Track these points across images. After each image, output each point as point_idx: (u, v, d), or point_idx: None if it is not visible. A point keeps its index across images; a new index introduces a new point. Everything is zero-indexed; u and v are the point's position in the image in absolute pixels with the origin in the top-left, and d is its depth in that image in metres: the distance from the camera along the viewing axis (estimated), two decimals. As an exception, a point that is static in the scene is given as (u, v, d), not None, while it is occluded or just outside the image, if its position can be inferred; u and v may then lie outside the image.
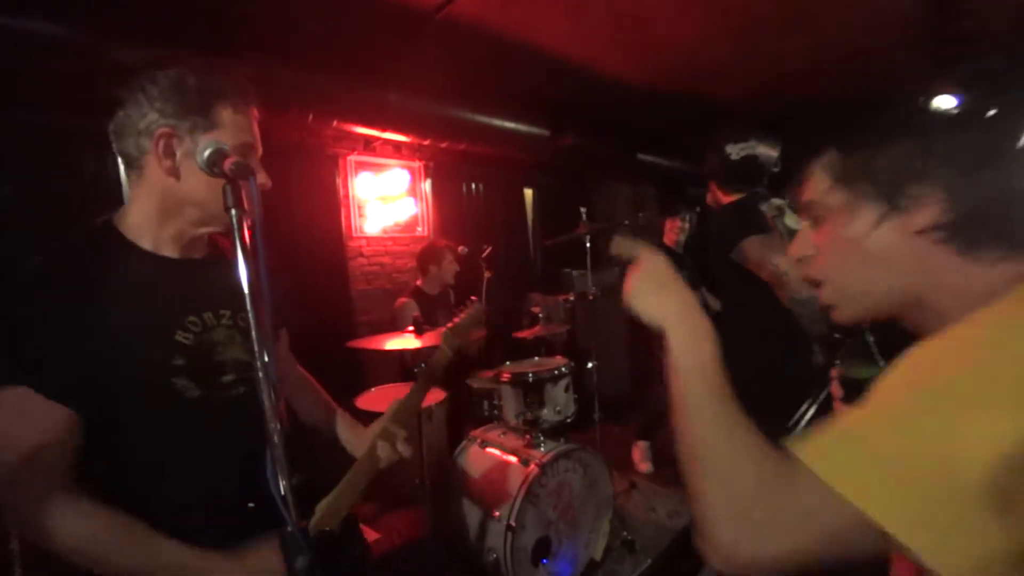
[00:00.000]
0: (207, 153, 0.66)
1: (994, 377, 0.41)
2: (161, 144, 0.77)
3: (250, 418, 0.72)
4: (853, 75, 3.13)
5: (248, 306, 0.59)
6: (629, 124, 3.78)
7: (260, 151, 0.88)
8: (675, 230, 3.36)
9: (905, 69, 2.94)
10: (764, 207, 1.92)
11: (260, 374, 0.59)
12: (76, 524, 0.66)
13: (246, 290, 0.59)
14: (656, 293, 0.65)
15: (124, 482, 0.74)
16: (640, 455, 3.12)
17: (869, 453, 0.44)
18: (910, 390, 0.45)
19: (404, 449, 1.02)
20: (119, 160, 0.80)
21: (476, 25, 2.34)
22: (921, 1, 2.30)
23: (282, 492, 0.60)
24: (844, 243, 0.59)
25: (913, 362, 0.48)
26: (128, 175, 0.81)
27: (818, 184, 0.61)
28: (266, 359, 0.59)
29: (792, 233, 1.93)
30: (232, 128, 0.81)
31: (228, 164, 0.62)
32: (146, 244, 0.80)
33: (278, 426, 0.61)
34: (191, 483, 0.79)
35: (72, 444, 0.68)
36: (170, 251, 0.83)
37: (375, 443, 0.97)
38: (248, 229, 0.61)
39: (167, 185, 0.79)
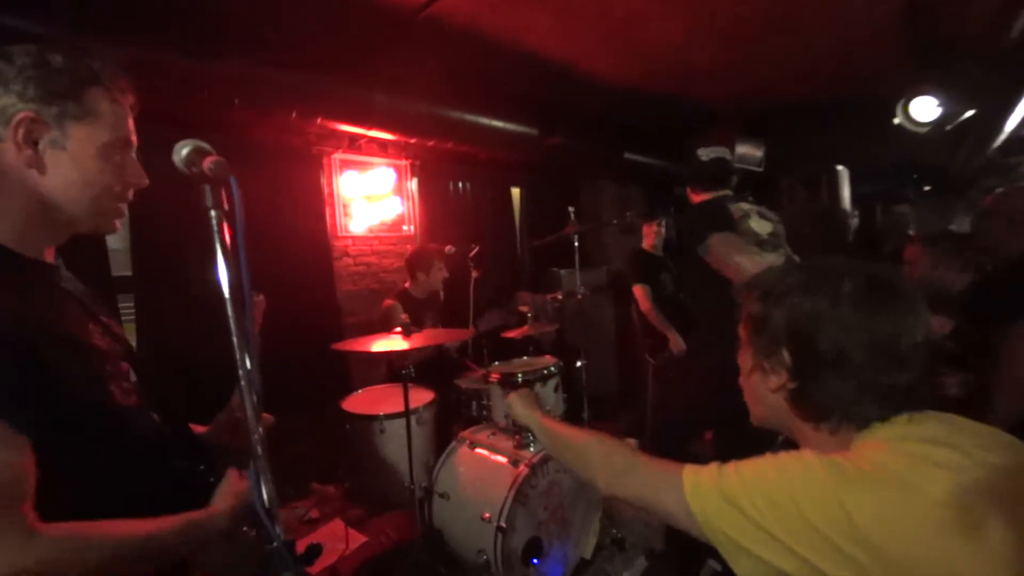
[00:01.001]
0: (185, 152, 0.62)
1: (798, 512, 0.58)
2: (21, 131, 0.66)
3: (155, 423, 0.79)
4: (835, 77, 3.18)
5: (229, 312, 0.57)
6: (617, 124, 3.79)
7: (136, 144, 0.78)
8: (652, 234, 3.40)
9: (885, 71, 3.00)
10: (732, 208, 1.96)
11: (243, 383, 0.56)
12: (49, 545, 0.61)
13: (227, 295, 0.57)
14: (524, 408, 1.15)
15: (83, 506, 0.68)
16: None
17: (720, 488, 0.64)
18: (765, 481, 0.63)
19: None
20: None
21: (463, 24, 2.32)
22: (899, 6, 2.34)
23: (266, 505, 0.58)
24: (742, 371, 0.77)
25: (779, 465, 0.63)
26: None
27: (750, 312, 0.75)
28: (248, 366, 0.57)
29: (756, 236, 1.97)
30: (110, 118, 0.72)
31: (207, 164, 0.60)
32: (20, 248, 0.70)
33: (261, 436, 0.58)
34: (144, 493, 0.75)
35: (32, 473, 0.62)
36: (39, 254, 0.74)
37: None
38: (229, 231, 0.58)
39: (28, 179, 0.68)
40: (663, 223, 3.37)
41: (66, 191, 0.70)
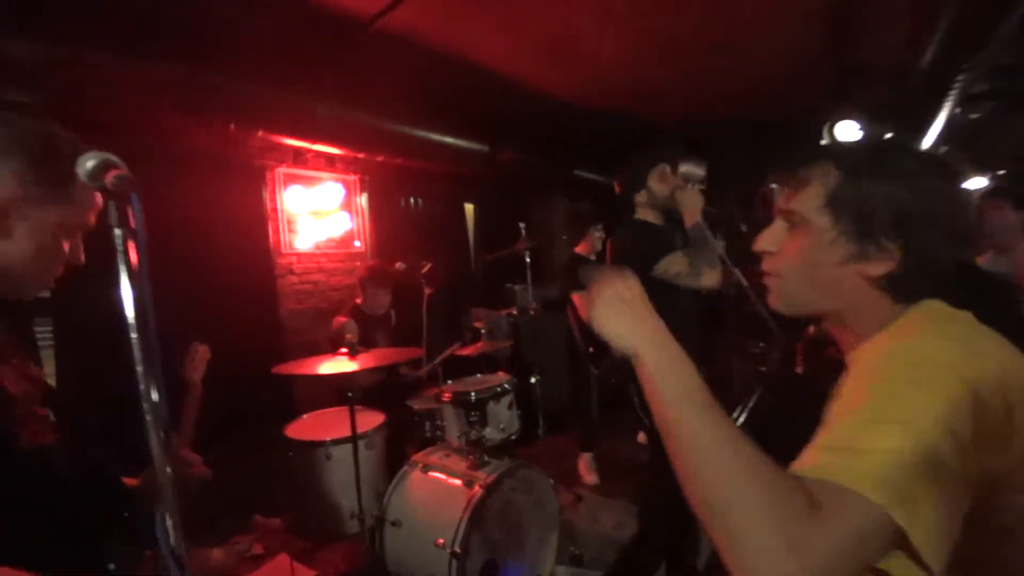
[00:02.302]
0: (90, 164, 0.57)
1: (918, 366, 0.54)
2: (1, 205, 0.68)
3: (67, 465, 0.77)
4: (768, 98, 3.41)
5: (134, 338, 0.51)
6: (566, 141, 3.88)
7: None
8: (588, 240, 3.42)
9: (814, 94, 3.24)
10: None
11: (148, 416, 0.51)
12: None
13: (131, 320, 0.52)
14: (627, 315, 0.61)
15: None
16: (585, 467, 3.13)
17: (894, 463, 0.49)
18: (871, 385, 0.56)
19: None
20: None
21: (413, 38, 2.31)
22: (823, 34, 2.54)
23: (173, 549, 0.52)
24: (807, 262, 0.67)
25: (862, 368, 0.60)
26: None
27: (810, 198, 0.66)
28: (154, 398, 0.51)
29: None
30: (83, 208, 0.76)
31: (110, 177, 0.54)
32: None
33: (170, 473, 0.53)
34: (54, 537, 0.71)
35: None
36: None
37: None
38: (134, 252, 0.53)
39: None
40: (600, 228, 3.31)
41: (17, 259, 0.71)
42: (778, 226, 0.71)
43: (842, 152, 0.68)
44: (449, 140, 3.07)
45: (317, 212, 3.24)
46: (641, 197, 1.98)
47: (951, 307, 0.63)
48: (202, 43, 2.12)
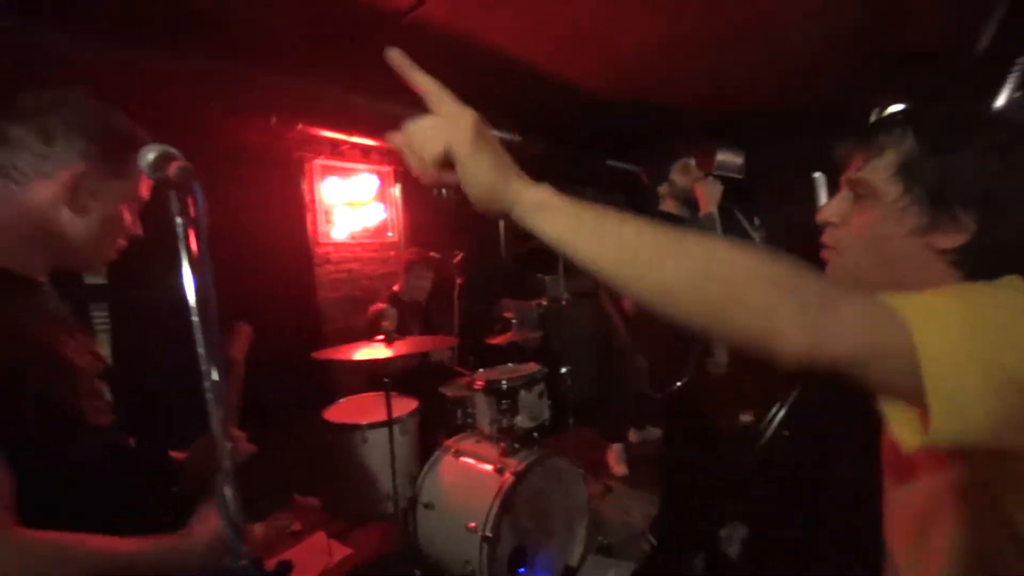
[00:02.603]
0: (152, 156, 0.61)
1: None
2: (72, 179, 0.74)
3: (127, 443, 0.82)
4: (806, 85, 3.25)
5: (196, 321, 0.55)
6: (598, 131, 3.82)
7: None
8: None
9: (856, 80, 3.08)
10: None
11: (209, 395, 0.54)
12: (32, 552, 0.62)
13: (193, 304, 0.55)
14: (490, 172, 0.50)
15: (51, 524, 0.68)
16: (615, 457, 3.13)
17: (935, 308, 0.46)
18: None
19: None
20: None
21: (445, 30, 2.31)
22: (863, 17, 2.41)
23: (233, 520, 0.56)
24: (873, 234, 0.62)
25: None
26: None
27: (881, 167, 0.61)
28: (215, 378, 0.55)
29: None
30: (137, 180, 0.82)
31: (172, 169, 0.58)
32: (13, 266, 0.74)
33: (229, 451, 0.56)
34: (112, 511, 0.76)
35: (9, 484, 0.63)
36: (34, 274, 0.79)
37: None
38: (195, 239, 0.56)
39: (57, 214, 0.75)
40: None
41: (87, 231, 0.78)
42: (844, 196, 0.66)
43: (921, 118, 0.62)
44: (482, 130, 3.08)
45: (353, 203, 3.31)
46: (664, 189, 2.09)
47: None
48: (244, 40, 2.18)
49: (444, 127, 0.49)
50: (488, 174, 0.48)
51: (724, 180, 4.06)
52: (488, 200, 0.50)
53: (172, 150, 0.63)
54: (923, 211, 0.58)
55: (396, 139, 0.52)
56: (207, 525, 0.78)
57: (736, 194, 2.95)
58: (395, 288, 2.91)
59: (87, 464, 0.74)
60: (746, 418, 2.46)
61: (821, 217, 0.67)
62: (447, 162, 0.48)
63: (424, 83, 0.52)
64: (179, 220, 0.55)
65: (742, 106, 3.57)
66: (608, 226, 0.48)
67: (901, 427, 0.48)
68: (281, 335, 2.80)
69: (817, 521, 1.59)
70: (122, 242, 0.86)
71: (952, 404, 0.44)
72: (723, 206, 2.23)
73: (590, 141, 3.84)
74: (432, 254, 2.95)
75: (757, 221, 2.28)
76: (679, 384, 2.09)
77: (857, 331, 0.45)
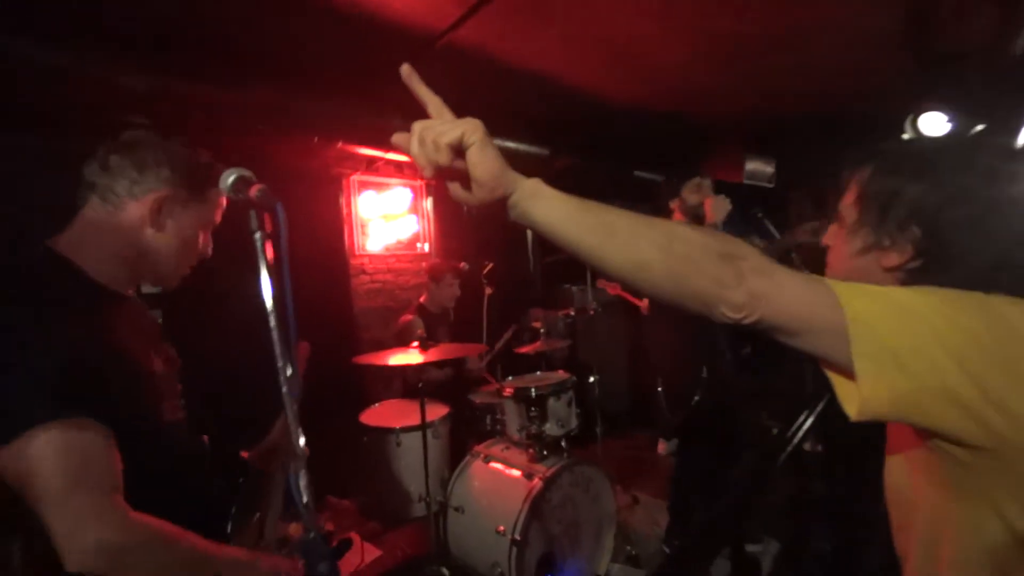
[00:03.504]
0: (231, 179, 0.71)
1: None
2: (157, 202, 0.86)
3: (196, 437, 0.92)
4: (840, 92, 3.22)
5: (272, 325, 0.63)
6: (625, 143, 3.86)
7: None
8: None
9: (891, 85, 3.03)
10: None
11: (284, 389, 0.62)
12: (146, 532, 0.71)
13: (270, 310, 0.63)
14: (497, 158, 0.56)
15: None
16: (665, 450, 3.21)
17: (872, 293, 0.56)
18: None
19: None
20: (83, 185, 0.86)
21: (476, 51, 2.42)
22: (900, 21, 2.39)
23: (304, 500, 0.63)
24: (838, 252, 0.72)
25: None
26: (91, 201, 0.85)
27: (848, 196, 0.71)
28: (288, 373, 0.63)
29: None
30: (213, 207, 0.95)
31: (254, 191, 0.67)
32: (103, 280, 0.84)
33: (301, 437, 0.64)
34: (181, 500, 0.84)
35: (119, 467, 0.73)
36: (121, 288, 0.88)
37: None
38: (272, 252, 0.65)
39: (142, 233, 0.87)
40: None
41: (167, 250, 0.89)
42: (833, 224, 0.76)
43: (882, 151, 0.70)
44: (510, 145, 3.16)
45: (387, 216, 3.45)
46: (675, 204, 2.24)
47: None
48: (286, 68, 2.35)
49: (458, 122, 0.56)
50: (496, 160, 0.55)
51: (755, 189, 4.03)
52: (494, 184, 0.56)
53: (248, 173, 0.72)
54: (869, 232, 0.66)
55: (403, 137, 0.58)
56: (272, 560, 0.87)
57: (767, 203, 2.94)
58: (421, 299, 3.01)
59: (164, 456, 0.84)
60: (771, 426, 2.43)
61: (823, 242, 0.78)
62: (458, 151, 0.55)
63: (429, 98, 0.60)
64: (258, 235, 0.64)
65: (776, 115, 3.55)
66: (591, 211, 0.57)
67: (844, 398, 0.55)
68: (319, 343, 2.93)
69: (855, 534, 1.57)
70: (194, 261, 0.98)
71: (879, 370, 0.52)
72: (753, 215, 2.28)
73: (618, 153, 3.88)
74: (462, 265, 3.04)
75: (786, 233, 2.29)
76: (694, 402, 2.12)
77: (791, 298, 0.54)
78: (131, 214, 0.85)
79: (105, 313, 0.81)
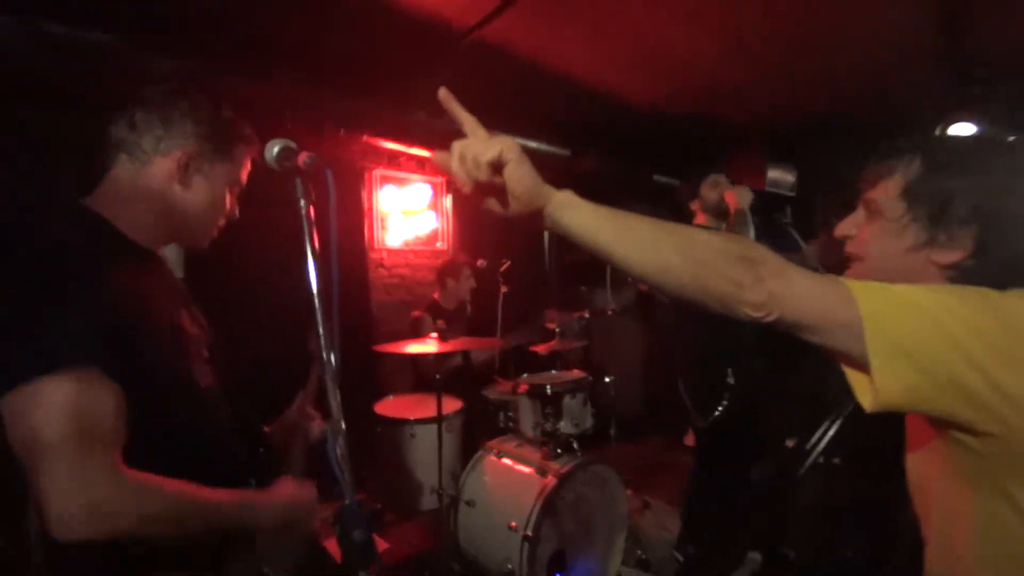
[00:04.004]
0: (277, 149, 0.72)
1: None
2: (184, 157, 0.86)
3: (226, 405, 0.90)
4: (868, 97, 3.17)
5: (314, 296, 0.64)
6: (647, 145, 3.85)
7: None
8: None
9: (919, 89, 2.98)
10: None
11: (325, 355, 0.63)
12: (143, 492, 0.69)
13: (313, 282, 0.64)
14: (533, 173, 0.61)
15: (151, 464, 0.76)
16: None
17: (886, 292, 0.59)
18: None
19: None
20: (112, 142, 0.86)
21: (502, 49, 2.43)
22: (933, 27, 2.35)
23: (341, 468, 0.64)
24: (880, 246, 0.70)
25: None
26: (119, 160, 0.85)
27: (890, 188, 0.69)
28: (330, 338, 0.63)
29: None
30: (239, 166, 0.94)
31: (303, 159, 0.68)
32: (138, 238, 0.84)
33: (340, 407, 0.65)
34: (209, 465, 0.83)
35: (124, 420, 0.71)
36: (153, 246, 0.89)
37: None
38: (317, 222, 0.65)
39: (171, 190, 0.86)
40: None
41: (195, 206, 0.89)
42: (859, 213, 0.75)
43: (929, 146, 0.69)
44: (532, 144, 3.17)
45: (407, 211, 3.48)
46: (696, 204, 2.26)
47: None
48: (316, 61, 2.39)
49: (495, 140, 0.60)
50: (532, 175, 0.60)
51: (778, 196, 3.98)
52: (530, 197, 0.60)
53: (291, 143, 0.73)
54: (922, 229, 0.66)
55: (444, 156, 0.62)
56: (286, 489, 0.89)
57: (791, 209, 2.91)
58: (435, 296, 3.02)
59: (195, 417, 0.84)
60: (790, 442, 2.40)
61: (838, 232, 0.76)
62: (495, 168, 0.59)
63: (465, 118, 0.65)
64: (303, 203, 0.65)
65: (802, 120, 3.52)
66: (619, 219, 0.61)
67: (859, 391, 0.59)
68: (339, 333, 2.96)
69: (880, 542, 1.54)
70: (222, 221, 0.97)
71: (892, 364, 0.56)
72: (777, 222, 2.28)
73: (640, 156, 3.87)
74: (479, 262, 3.05)
75: (811, 240, 2.27)
76: (721, 409, 2.09)
77: (807, 297, 0.58)
78: (159, 170, 0.85)
79: (140, 269, 0.81)
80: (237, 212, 0.98)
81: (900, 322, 0.56)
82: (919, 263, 0.66)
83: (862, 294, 0.57)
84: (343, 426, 0.67)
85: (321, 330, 0.65)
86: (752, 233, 2.09)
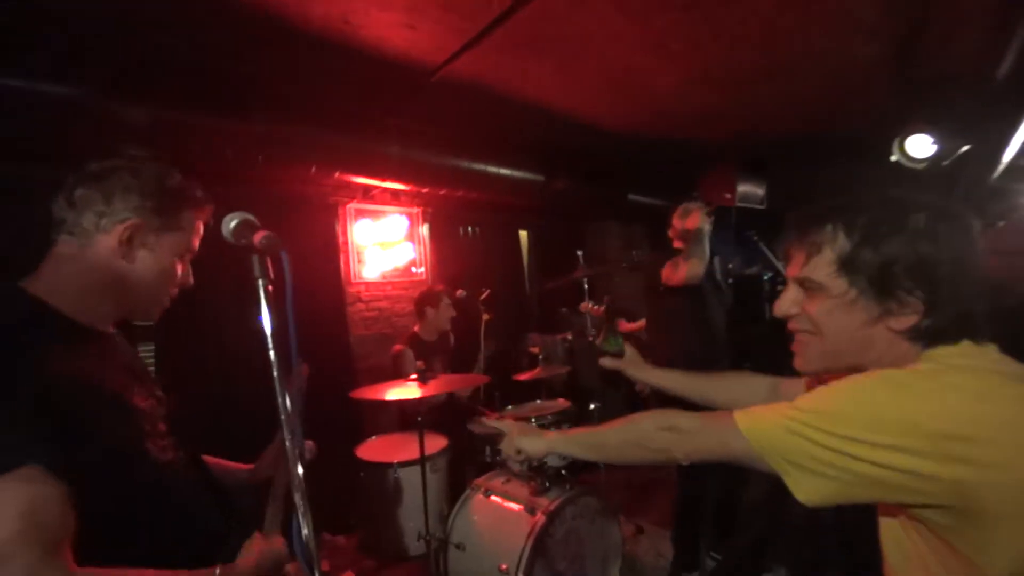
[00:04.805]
0: (234, 224, 0.69)
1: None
2: (126, 232, 0.82)
3: (189, 478, 0.88)
4: (830, 116, 3.30)
5: (274, 370, 0.61)
6: (620, 167, 3.92)
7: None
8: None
9: (880, 109, 3.11)
10: None
11: (285, 431, 0.60)
12: None
13: (272, 357, 0.61)
14: (534, 440, 1.02)
15: (108, 550, 0.73)
16: None
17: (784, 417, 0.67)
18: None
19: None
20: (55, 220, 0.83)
21: (472, 81, 2.46)
22: (888, 47, 2.46)
23: (305, 544, 0.60)
24: (833, 325, 0.69)
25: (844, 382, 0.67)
26: (61, 238, 0.82)
27: (823, 265, 0.68)
28: (288, 411, 0.60)
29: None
30: (189, 233, 0.91)
31: (259, 238, 0.66)
32: (81, 319, 0.80)
33: (301, 481, 0.61)
34: (176, 542, 0.79)
35: (71, 516, 0.67)
36: (99, 325, 0.85)
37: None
38: (274, 295, 0.63)
39: (114, 266, 0.83)
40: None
41: (142, 281, 0.86)
42: (794, 290, 0.74)
43: (848, 214, 0.68)
44: (506, 172, 3.20)
45: (383, 243, 3.45)
46: (671, 232, 2.42)
47: (974, 345, 0.64)
48: (286, 98, 2.37)
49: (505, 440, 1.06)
50: (538, 441, 1.02)
51: (748, 211, 4.08)
52: (536, 452, 1.02)
53: (251, 217, 0.71)
54: (872, 301, 0.66)
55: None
56: (251, 556, 0.83)
57: (761, 225, 2.98)
58: (415, 328, 2.97)
59: (153, 495, 0.79)
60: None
61: (778, 312, 0.76)
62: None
63: (500, 425, 1.13)
64: (261, 282, 0.62)
65: (768, 139, 3.63)
66: (589, 439, 0.95)
67: (794, 492, 0.65)
68: (315, 372, 2.88)
69: (866, 560, 1.54)
70: (174, 291, 0.93)
71: (797, 479, 0.64)
72: (749, 238, 2.36)
73: (613, 177, 3.93)
74: (459, 292, 3.03)
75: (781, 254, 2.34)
76: None
77: (711, 444, 0.75)
78: (101, 247, 0.82)
79: (82, 351, 0.77)
80: (191, 279, 0.94)
81: (785, 443, 0.64)
82: (878, 334, 0.67)
83: (745, 427, 0.68)
84: (304, 497, 0.63)
85: (281, 412, 0.61)
86: (707, 251, 2.21)
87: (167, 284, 0.90)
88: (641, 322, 2.84)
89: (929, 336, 0.64)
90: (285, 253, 0.65)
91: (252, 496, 0.99)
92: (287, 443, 0.62)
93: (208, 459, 1.09)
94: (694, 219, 2.24)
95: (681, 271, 2.18)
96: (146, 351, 2.58)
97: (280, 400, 0.61)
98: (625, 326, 2.99)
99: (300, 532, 0.62)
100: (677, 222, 2.34)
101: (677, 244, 2.38)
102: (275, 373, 0.61)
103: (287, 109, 2.36)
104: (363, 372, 3.24)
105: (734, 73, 2.56)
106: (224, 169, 2.30)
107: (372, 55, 2.14)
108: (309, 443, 1.13)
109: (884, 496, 0.63)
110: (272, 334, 0.64)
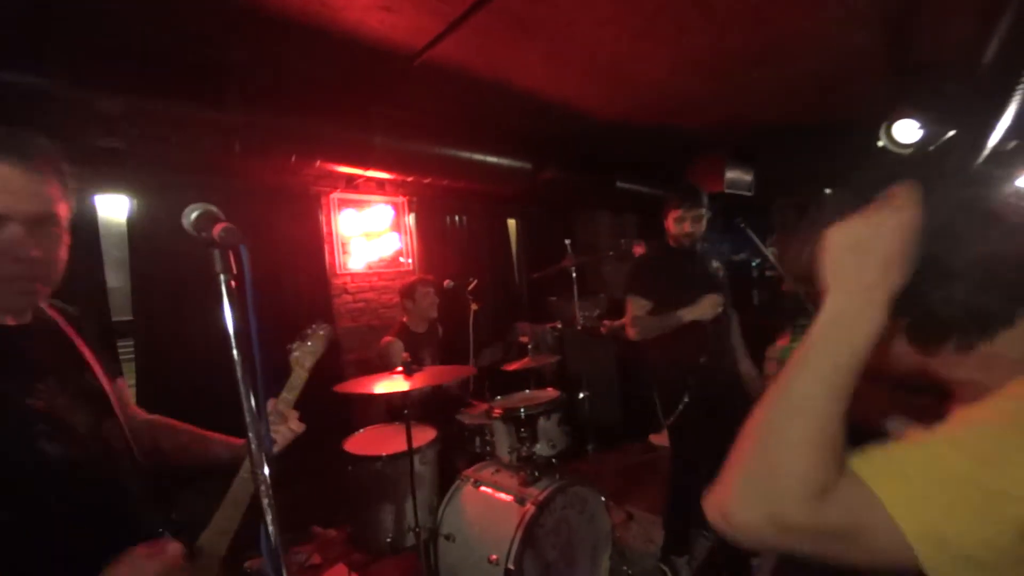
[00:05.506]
0: (195, 215, 0.64)
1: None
2: None
3: (108, 477, 0.80)
4: (818, 102, 3.29)
5: (237, 372, 0.58)
6: (608, 154, 3.88)
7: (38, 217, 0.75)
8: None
9: (868, 95, 3.10)
10: None
11: (250, 434, 0.57)
12: None
13: (235, 356, 0.58)
14: (868, 254, 0.53)
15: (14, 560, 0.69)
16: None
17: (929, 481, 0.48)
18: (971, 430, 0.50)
19: (297, 425, 1.08)
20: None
21: (457, 68, 2.40)
22: (876, 35, 2.45)
23: (273, 549, 0.57)
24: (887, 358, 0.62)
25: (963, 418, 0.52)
26: None
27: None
28: (253, 415, 0.57)
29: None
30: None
31: (219, 231, 0.62)
32: None
33: (268, 487, 0.59)
34: (79, 544, 0.75)
35: None
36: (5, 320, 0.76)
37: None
38: (236, 291, 0.59)
39: None
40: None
41: None
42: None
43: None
44: (493, 160, 3.15)
45: (369, 233, 3.39)
46: (671, 240, 2.43)
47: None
48: (265, 86, 2.30)
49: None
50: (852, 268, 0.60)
51: (736, 198, 4.08)
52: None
53: (213, 209, 0.66)
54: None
55: None
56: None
57: (749, 212, 2.98)
58: (403, 319, 2.94)
59: (43, 496, 0.73)
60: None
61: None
62: None
63: None
64: (222, 277, 0.59)
65: (757, 125, 3.61)
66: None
67: None
68: (301, 366, 2.85)
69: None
70: (12, 275, 0.73)
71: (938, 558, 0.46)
72: (737, 225, 2.36)
73: (602, 164, 3.90)
74: (446, 283, 2.99)
75: (769, 240, 2.35)
76: (683, 405, 2.14)
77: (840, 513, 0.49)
78: None
79: None
80: (33, 252, 0.74)
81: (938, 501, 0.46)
82: (898, 350, 0.61)
83: (877, 480, 0.48)
84: (271, 502, 0.60)
85: (245, 411, 0.58)
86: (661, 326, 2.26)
87: None
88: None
89: (916, 340, 0.60)
90: (245, 247, 0.60)
91: (219, 480, 0.94)
92: (252, 446, 0.59)
93: (183, 427, 1.05)
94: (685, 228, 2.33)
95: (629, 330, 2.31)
96: (125, 347, 2.53)
97: (244, 401, 0.58)
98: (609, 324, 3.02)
99: (268, 538, 0.59)
100: (671, 227, 2.37)
101: (669, 240, 2.40)
102: (239, 374, 0.58)
103: (264, 97, 2.29)
104: (350, 364, 3.20)
105: (724, 59, 2.53)
106: (201, 159, 2.23)
107: (352, 39, 2.07)
108: (295, 423, 1.08)
109: None
110: (238, 332, 0.61)
